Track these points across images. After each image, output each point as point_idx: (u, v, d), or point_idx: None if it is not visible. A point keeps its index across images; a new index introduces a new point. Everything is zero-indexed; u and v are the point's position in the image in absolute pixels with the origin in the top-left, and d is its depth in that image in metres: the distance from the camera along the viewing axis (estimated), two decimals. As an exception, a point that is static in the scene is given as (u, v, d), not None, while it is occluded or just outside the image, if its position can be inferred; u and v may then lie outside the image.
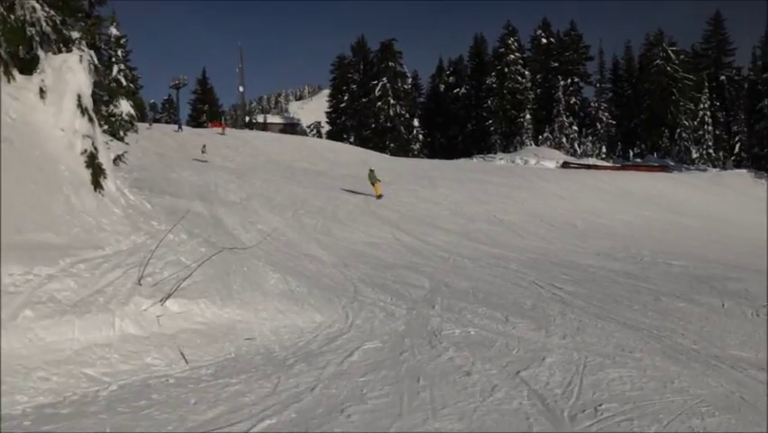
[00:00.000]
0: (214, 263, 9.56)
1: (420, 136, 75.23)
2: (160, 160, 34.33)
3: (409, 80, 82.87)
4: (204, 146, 39.26)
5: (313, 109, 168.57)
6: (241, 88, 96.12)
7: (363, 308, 10.24)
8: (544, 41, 75.58)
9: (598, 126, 68.56)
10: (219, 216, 18.59)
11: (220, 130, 53.27)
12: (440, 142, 78.87)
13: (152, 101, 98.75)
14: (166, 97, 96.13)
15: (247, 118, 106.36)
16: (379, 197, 27.40)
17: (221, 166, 33.74)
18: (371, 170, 29.11)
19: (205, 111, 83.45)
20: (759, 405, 7.45)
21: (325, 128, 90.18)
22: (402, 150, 69.79)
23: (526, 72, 71.60)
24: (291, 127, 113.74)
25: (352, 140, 73.83)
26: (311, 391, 6.58)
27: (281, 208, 22.23)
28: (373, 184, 28.21)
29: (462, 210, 26.42)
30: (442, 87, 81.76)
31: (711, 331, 10.88)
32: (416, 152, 72.07)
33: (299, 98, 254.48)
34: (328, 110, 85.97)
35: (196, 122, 75.40)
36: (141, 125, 40.39)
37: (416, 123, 75.45)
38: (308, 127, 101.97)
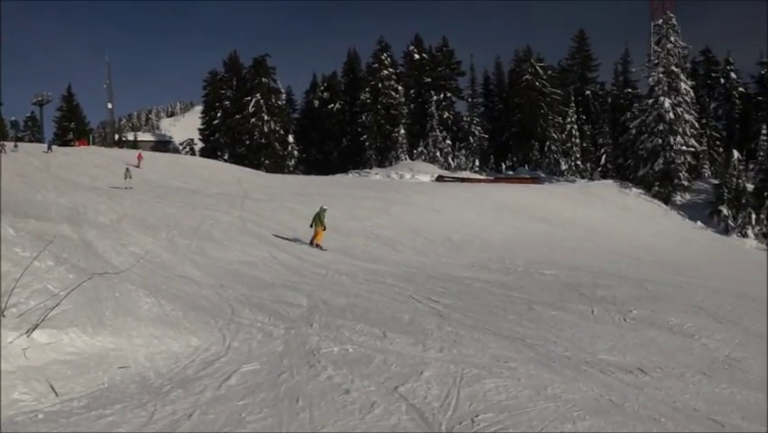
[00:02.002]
0: (84, 290, 9.12)
1: (295, 152, 74.95)
2: (23, 181, 32.49)
3: (283, 96, 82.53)
4: (127, 170, 36.05)
5: (185, 126, 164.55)
6: (109, 105, 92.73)
7: (241, 330, 10.07)
8: (417, 56, 77.15)
9: (471, 140, 70.55)
10: (89, 240, 17.68)
11: (135, 162, 45.68)
12: (315, 158, 78.79)
13: (13, 118, 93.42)
14: (29, 115, 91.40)
15: (116, 136, 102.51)
16: (317, 246, 21.82)
17: (90, 187, 32.22)
18: (323, 210, 22.85)
19: (72, 129, 79.67)
20: (626, 406, 7.89)
21: (199, 145, 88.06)
22: (277, 166, 69.27)
23: (400, 87, 72.79)
24: (163, 145, 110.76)
25: (226, 157, 72.54)
26: (188, 418, 6.41)
27: (154, 229, 21.48)
28: (316, 228, 22.35)
29: (339, 226, 26.47)
30: (316, 102, 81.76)
31: (582, 337, 11.42)
32: (291, 169, 71.74)
33: (171, 115, 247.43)
34: (201, 127, 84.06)
35: (62, 140, 71.72)
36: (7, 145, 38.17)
37: (290, 139, 75.11)
38: (181, 144, 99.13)
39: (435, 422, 6.74)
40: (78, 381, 7.25)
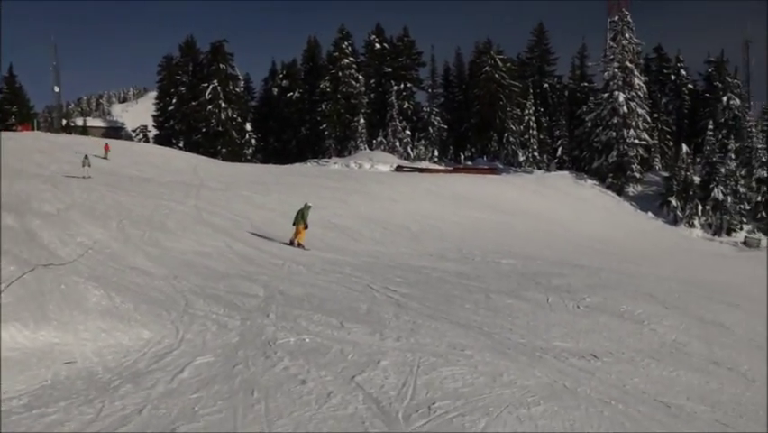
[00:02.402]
0: (26, 283, 8.85)
1: (253, 141, 74.23)
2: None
3: (241, 83, 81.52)
4: (85, 158, 33.79)
5: (139, 112, 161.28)
6: (56, 88, 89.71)
7: (195, 322, 9.90)
8: (378, 46, 76.95)
9: (431, 130, 70.72)
10: (32, 230, 17.14)
11: (103, 153, 42.95)
12: (274, 147, 78.12)
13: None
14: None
15: (64, 121, 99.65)
16: (299, 245, 20.18)
17: (34, 174, 31.25)
18: (307, 207, 20.96)
19: (14, 113, 77.01)
20: (579, 391, 8.01)
21: (153, 132, 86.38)
22: (235, 155, 68.46)
23: (360, 77, 72.55)
24: (115, 131, 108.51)
25: (181, 145, 71.40)
26: (139, 414, 6.28)
27: (104, 219, 20.89)
28: (298, 227, 20.51)
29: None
30: (275, 90, 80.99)
31: (537, 325, 11.56)
32: (249, 157, 70.98)
33: (123, 101, 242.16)
34: (155, 113, 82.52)
35: (3, 125, 69.04)
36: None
37: (248, 127, 74.36)
38: (134, 131, 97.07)
39: (392, 410, 6.74)
40: (18, 378, 7.03)
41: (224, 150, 69.02)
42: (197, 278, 13.81)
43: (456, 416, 6.69)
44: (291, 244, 20.38)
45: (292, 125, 77.00)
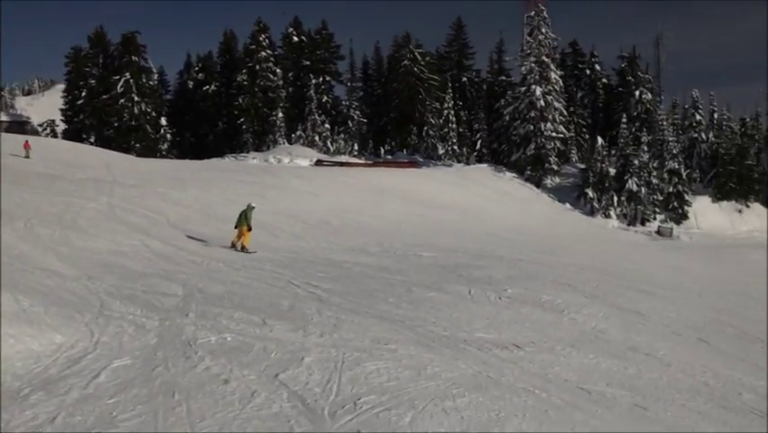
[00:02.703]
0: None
1: (168, 135, 72.25)
2: None
3: (155, 76, 79.21)
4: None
5: (45, 106, 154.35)
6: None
7: (110, 324, 9.53)
8: (296, 39, 76.15)
9: (350, 124, 70.53)
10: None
11: (24, 152, 39.86)
12: (190, 142, 76.38)
13: None
14: None
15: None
16: (243, 249, 18.89)
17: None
18: (251, 208, 19.60)
19: None
20: (502, 381, 8.12)
21: (61, 127, 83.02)
22: (149, 150, 66.52)
23: (278, 70, 71.64)
24: (19, 126, 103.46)
25: (92, 140, 68.93)
26: (52, 422, 6.00)
27: (10, 218, 19.92)
28: (241, 229, 19.10)
29: (215, 212, 25.78)
30: (190, 83, 79.10)
31: (459, 317, 11.69)
32: (164, 153, 69.15)
33: (28, 93, 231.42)
34: (63, 107, 79.15)
35: None
36: None
37: (163, 121, 72.31)
38: (41, 126, 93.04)
39: (318, 408, 6.69)
40: None
41: (137, 145, 66.90)
42: (112, 278, 13.33)
43: (382, 410, 6.68)
44: (233, 247, 19.11)
45: (209, 120, 75.46)
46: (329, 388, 7.26)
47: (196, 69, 79.34)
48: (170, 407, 6.45)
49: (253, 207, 19.66)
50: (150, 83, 74.06)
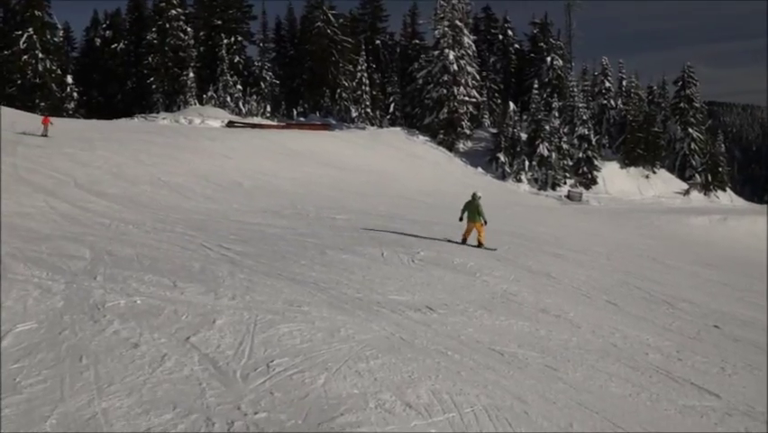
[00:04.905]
0: None
1: (75, 94, 69.30)
2: None
3: (60, 33, 75.57)
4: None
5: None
6: None
7: (14, 287, 9.13)
8: (207, -3, 73.99)
9: (263, 86, 69.29)
10: None
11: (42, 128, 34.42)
12: (98, 101, 73.48)
13: None
14: None
15: None
16: (479, 245, 16.90)
17: None
18: (477, 197, 17.27)
19: None
20: (415, 343, 8.25)
21: (-42, 84, 78.64)
22: (55, 109, 63.55)
23: (189, 29, 69.47)
24: None
25: (-7, 98, 65.55)
26: (-50, 389, 5.74)
27: None
28: (474, 224, 17.05)
29: (125, 173, 25.03)
30: (98, 41, 75.92)
31: (373, 279, 11.76)
32: (71, 112, 66.37)
33: None
34: (-42, 63, 75.03)
35: None
36: None
37: (69, 80, 69.23)
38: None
39: (230, 370, 6.64)
40: None
41: (42, 104, 63.86)
42: (16, 240, 12.77)
43: (296, 373, 6.69)
44: (464, 242, 17.24)
45: (117, 79, 72.73)
46: (241, 351, 7.21)
47: (104, 26, 76.14)
48: (77, 372, 6.27)
49: (479, 197, 17.28)
50: (56, 39, 70.53)
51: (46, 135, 33.91)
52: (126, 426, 5.28)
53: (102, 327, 7.60)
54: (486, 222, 16.98)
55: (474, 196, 17.25)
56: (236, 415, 5.64)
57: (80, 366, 6.40)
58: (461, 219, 17.21)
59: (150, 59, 67.60)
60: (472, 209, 16.99)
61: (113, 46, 73.32)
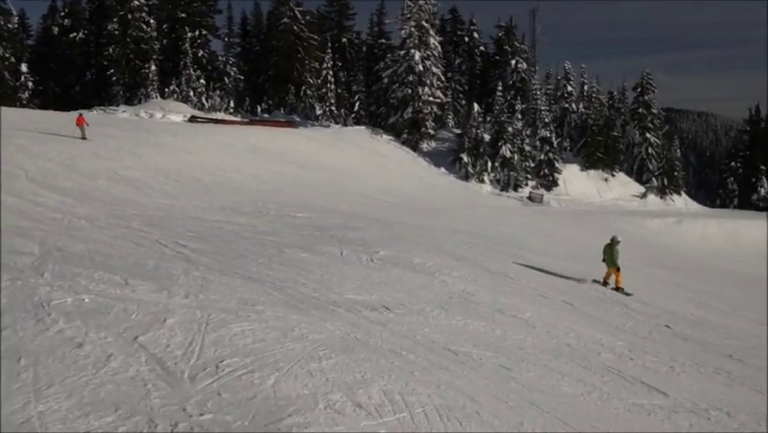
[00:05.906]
0: None
1: (30, 84, 67.87)
2: None
3: (15, 19, 73.90)
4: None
5: None
6: None
7: (-46, 283, 8.85)
8: (171, -11, 72.98)
9: (227, 81, 68.55)
10: None
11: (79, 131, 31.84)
12: (54, 92, 71.94)
13: None
14: None
15: None
16: (618, 289, 16.47)
17: None
18: (616, 242, 16.94)
19: None
20: (370, 342, 8.18)
21: None
22: (7, 99, 62.05)
23: (152, 21, 68.45)
24: None
25: (-58, 86, 63.82)
26: None
27: None
28: (611, 269, 16.91)
29: (79, 166, 24.46)
30: (55, 29, 74.40)
31: (331, 278, 11.66)
32: (25, 102, 64.94)
33: None
34: None
35: None
36: None
37: (24, 68, 67.74)
38: None
39: (177, 370, 6.49)
40: None
41: (-7, 92, 62.48)
42: (-41, 235, 12.38)
43: (245, 373, 6.58)
44: (604, 284, 17.01)
45: (75, 69, 71.31)
46: (191, 350, 7.06)
47: (62, 14, 74.63)
48: (15, 373, 6.04)
49: (619, 242, 16.95)
50: (9, 26, 68.90)
51: (85, 138, 31.41)
52: (63, 429, 5.11)
53: (45, 327, 7.36)
54: (618, 268, 16.61)
55: (613, 240, 16.95)
56: (181, 416, 5.51)
57: (18, 367, 6.18)
58: (603, 260, 17.05)
59: (110, 50, 66.39)
60: (610, 254, 16.81)
61: (71, 35, 71.87)
